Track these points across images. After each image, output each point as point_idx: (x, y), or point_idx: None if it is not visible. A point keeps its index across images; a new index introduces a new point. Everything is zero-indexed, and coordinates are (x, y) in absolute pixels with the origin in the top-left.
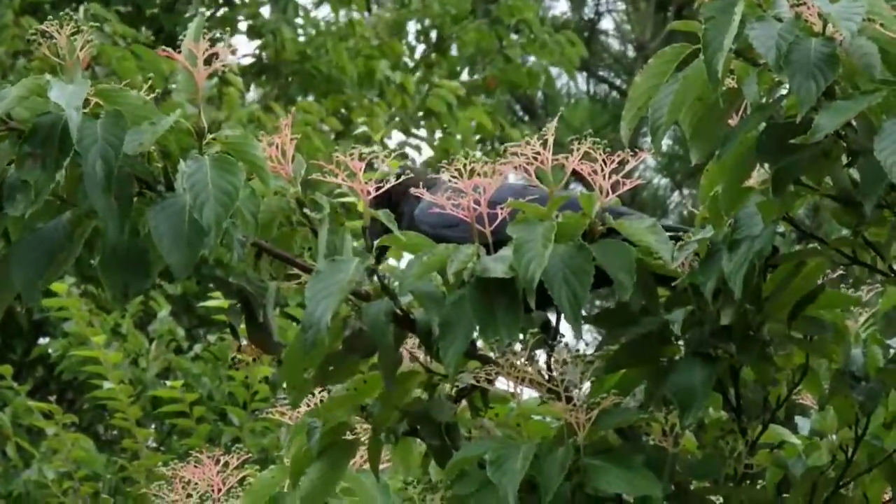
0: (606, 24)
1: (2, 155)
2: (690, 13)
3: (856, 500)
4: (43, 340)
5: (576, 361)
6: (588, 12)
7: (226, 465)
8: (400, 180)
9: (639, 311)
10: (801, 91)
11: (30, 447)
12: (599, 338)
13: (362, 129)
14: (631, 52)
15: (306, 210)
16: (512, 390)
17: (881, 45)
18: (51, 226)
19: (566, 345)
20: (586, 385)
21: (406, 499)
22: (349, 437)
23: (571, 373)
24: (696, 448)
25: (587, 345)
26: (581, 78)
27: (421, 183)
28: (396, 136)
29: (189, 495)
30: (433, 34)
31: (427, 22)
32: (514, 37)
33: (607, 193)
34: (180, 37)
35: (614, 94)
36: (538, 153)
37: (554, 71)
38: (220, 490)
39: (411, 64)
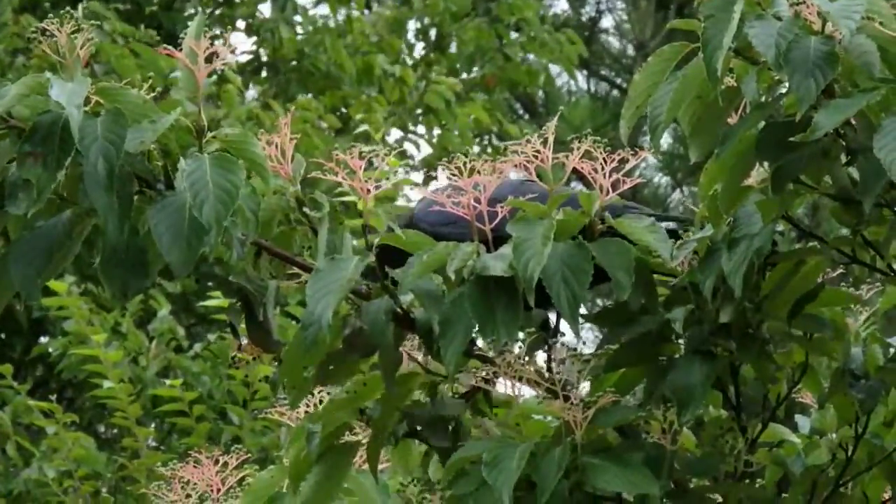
0: (607, 22)
1: (2, 153)
2: (691, 12)
3: (855, 498)
4: (43, 339)
5: (573, 360)
6: (589, 11)
7: (225, 465)
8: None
9: (638, 309)
10: (800, 89)
11: (30, 446)
12: (600, 336)
13: (363, 127)
14: (631, 51)
15: (306, 209)
16: (512, 392)
17: (880, 43)
18: (50, 224)
19: (564, 343)
20: (585, 383)
21: (406, 501)
22: (349, 438)
23: (569, 371)
24: (694, 447)
25: (584, 343)
26: (581, 77)
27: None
28: (395, 133)
29: (188, 496)
30: (432, 32)
31: (426, 20)
32: (513, 35)
33: (607, 192)
34: (181, 35)
35: (615, 92)
36: (538, 151)
37: (554, 70)
38: (218, 490)
39: (410, 62)
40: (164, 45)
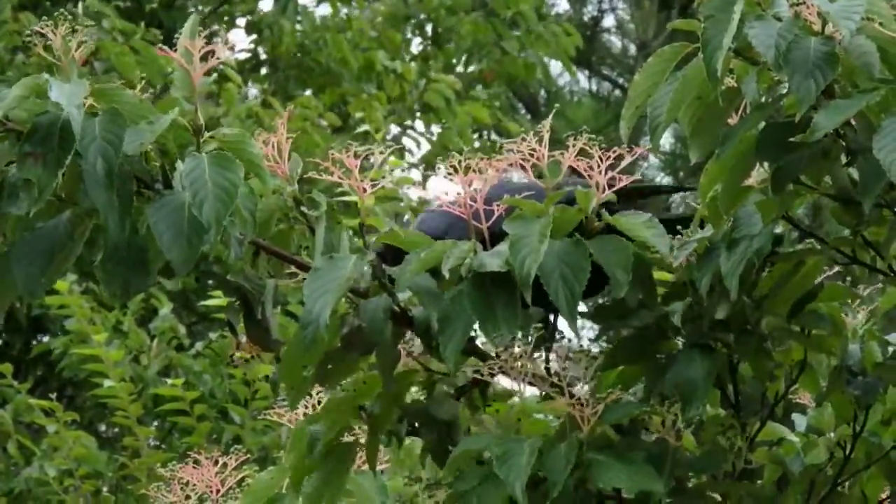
0: (609, 21)
1: (1, 156)
2: (693, 12)
3: (853, 497)
4: (43, 338)
5: (579, 357)
6: (591, 10)
7: (224, 465)
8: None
9: (636, 306)
10: (800, 90)
11: (31, 445)
12: (598, 334)
13: (363, 127)
14: (633, 51)
15: (303, 208)
16: (515, 387)
17: (880, 43)
18: (51, 225)
19: (569, 340)
20: (590, 380)
21: (406, 500)
22: (348, 439)
23: (574, 368)
24: (693, 446)
25: (587, 340)
26: (583, 76)
27: None
28: (394, 131)
29: (188, 496)
30: (428, 28)
31: (422, 15)
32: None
33: (604, 190)
34: (177, 33)
35: (617, 92)
36: (534, 149)
37: (556, 69)
38: (218, 491)
39: (408, 57)
40: (160, 46)
